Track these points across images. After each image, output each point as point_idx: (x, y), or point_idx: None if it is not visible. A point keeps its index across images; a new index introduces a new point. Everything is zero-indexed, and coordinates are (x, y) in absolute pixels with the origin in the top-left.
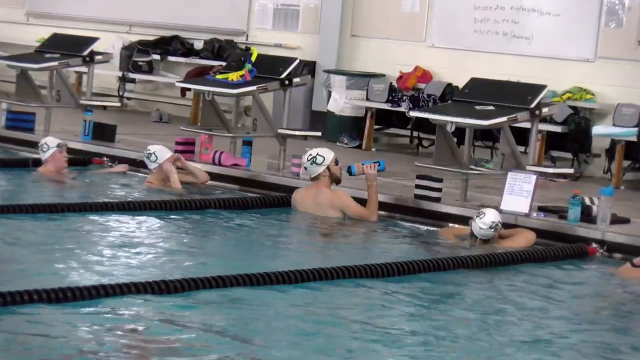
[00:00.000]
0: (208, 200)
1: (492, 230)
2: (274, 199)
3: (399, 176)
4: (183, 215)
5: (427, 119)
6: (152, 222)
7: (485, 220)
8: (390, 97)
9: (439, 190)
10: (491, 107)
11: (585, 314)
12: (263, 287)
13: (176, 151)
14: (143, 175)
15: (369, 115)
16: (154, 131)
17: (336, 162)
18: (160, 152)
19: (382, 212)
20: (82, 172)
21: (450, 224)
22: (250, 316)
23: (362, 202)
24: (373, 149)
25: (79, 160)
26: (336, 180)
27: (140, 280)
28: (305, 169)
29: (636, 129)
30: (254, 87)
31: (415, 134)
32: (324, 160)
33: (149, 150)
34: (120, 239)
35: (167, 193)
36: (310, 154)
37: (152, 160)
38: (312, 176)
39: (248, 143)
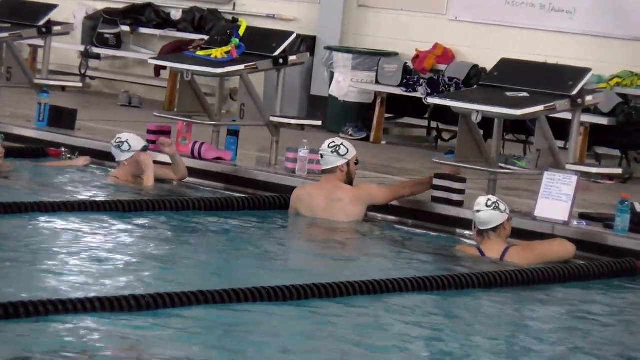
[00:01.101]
0: (186, 200)
1: (492, 209)
2: (264, 200)
3: (414, 175)
4: (155, 218)
5: (448, 107)
6: (117, 225)
7: (479, 201)
8: (405, 80)
9: (462, 192)
10: (525, 94)
11: (636, 347)
12: (250, 304)
13: (148, 141)
14: (109, 168)
15: (378, 101)
16: (122, 117)
17: (357, 162)
18: (134, 141)
19: (393, 218)
20: (34, 165)
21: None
22: (234, 340)
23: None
24: (383, 142)
25: (31, 151)
26: (350, 180)
27: (99, 294)
28: (322, 156)
29: None
30: (241, 66)
31: (433, 124)
32: (347, 153)
33: (120, 138)
34: (76, 246)
35: (137, 191)
36: (334, 142)
37: (124, 149)
38: (326, 168)
39: (234, 133)
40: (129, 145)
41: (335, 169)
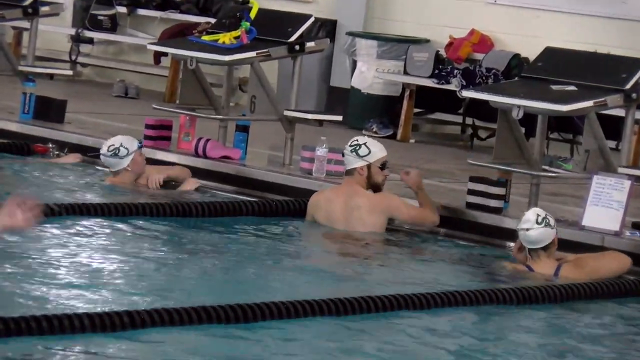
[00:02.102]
0: (188, 205)
1: (543, 226)
2: (277, 205)
3: (446, 177)
4: (153, 225)
5: (485, 102)
6: (111, 232)
7: (528, 217)
8: (436, 71)
9: (500, 197)
10: (572, 88)
11: None
12: (257, 324)
13: (146, 137)
14: (101, 168)
15: (406, 94)
16: (117, 109)
17: (383, 166)
18: (129, 142)
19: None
20: (19, 163)
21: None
22: None
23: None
24: (411, 140)
25: (15, 147)
26: (373, 187)
27: (92, 310)
28: (343, 155)
29: None
30: (252, 53)
31: (468, 121)
32: (368, 154)
33: (113, 144)
34: (63, 254)
35: (136, 193)
36: (357, 140)
37: (123, 155)
38: (347, 169)
39: (243, 128)
40: (126, 149)
41: (353, 171)
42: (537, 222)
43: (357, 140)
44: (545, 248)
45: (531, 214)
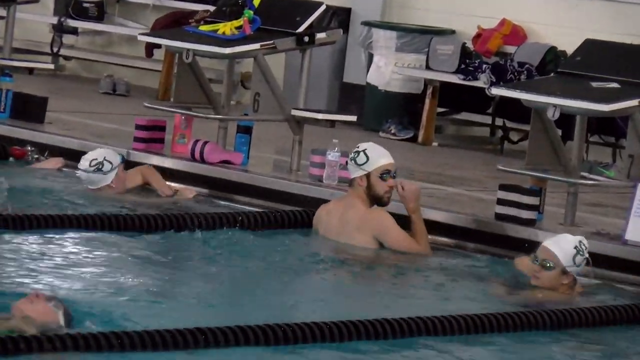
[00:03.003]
0: (183, 216)
1: (581, 257)
2: (284, 216)
3: (473, 185)
4: (142, 238)
5: (517, 100)
6: (94, 246)
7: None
8: (463, 66)
9: (534, 208)
10: (614, 85)
11: None
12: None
13: (137, 139)
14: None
15: (429, 91)
16: (104, 108)
17: (384, 174)
18: (111, 155)
19: (446, 239)
20: None
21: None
22: None
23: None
24: (434, 143)
25: None
26: (376, 199)
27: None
28: (347, 163)
29: None
30: (256, 45)
31: (498, 122)
32: (366, 163)
33: (96, 159)
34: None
35: (124, 204)
36: (358, 147)
37: (107, 170)
38: (350, 179)
39: (245, 130)
40: (110, 163)
41: (353, 182)
42: (580, 254)
43: (358, 146)
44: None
45: (575, 241)
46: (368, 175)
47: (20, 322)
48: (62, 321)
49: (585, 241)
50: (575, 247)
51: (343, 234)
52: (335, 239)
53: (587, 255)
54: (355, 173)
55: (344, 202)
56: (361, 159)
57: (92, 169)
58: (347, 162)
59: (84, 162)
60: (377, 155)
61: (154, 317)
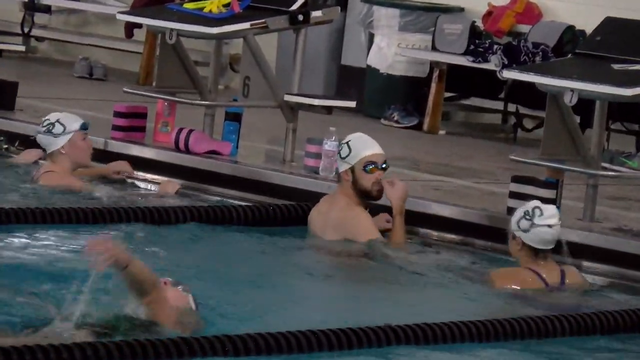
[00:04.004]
0: (167, 210)
1: (560, 224)
2: (277, 211)
3: (484, 178)
4: (126, 231)
5: (531, 84)
6: (56, 243)
7: (551, 211)
8: (472, 47)
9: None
10: (638, 67)
11: None
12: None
13: (115, 127)
14: None
15: (435, 75)
16: (80, 94)
17: (367, 166)
18: (68, 119)
19: (454, 236)
20: None
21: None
22: None
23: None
24: (441, 131)
25: None
26: (364, 194)
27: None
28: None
29: None
30: (246, 25)
31: (511, 108)
32: (348, 155)
33: (49, 119)
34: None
35: (84, 195)
36: (343, 140)
37: (57, 132)
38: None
39: (234, 117)
40: (63, 126)
41: (340, 177)
42: (560, 218)
43: (344, 139)
44: (552, 249)
45: (554, 209)
46: (352, 169)
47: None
48: (193, 304)
49: (545, 209)
50: (525, 212)
51: (325, 234)
52: (319, 236)
53: (542, 224)
54: (341, 168)
55: (330, 200)
56: (344, 151)
57: (44, 129)
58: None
59: (41, 123)
60: (362, 146)
61: None
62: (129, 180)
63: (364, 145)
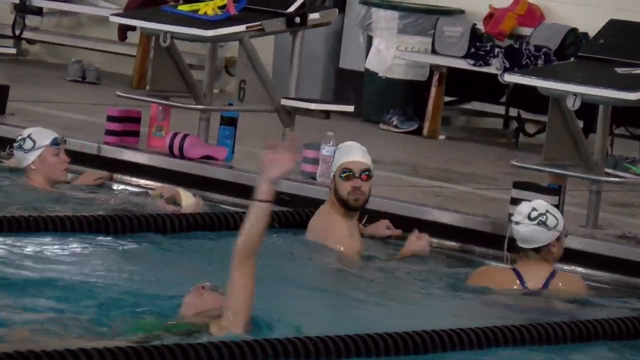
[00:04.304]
0: (161, 217)
1: (536, 223)
2: (273, 217)
3: (485, 183)
4: (98, 241)
5: (533, 88)
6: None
7: (520, 209)
8: (473, 50)
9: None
10: None
11: None
12: None
13: (108, 132)
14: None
15: (435, 78)
16: (72, 97)
17: (342, 173)
18: (39, 135)
19: (453, 244)
20: None
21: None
22: None
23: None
24: (441, 136)
25: None
26: (342, 203)
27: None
28: None
29: None
30: (242, 27)
31: (513, 112)
32: (332, 162)
33: (22, 134)
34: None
35: (66, 200)
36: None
37: (27, 148)
38: None
39: (230, 121)
40: (33, 142)
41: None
42: (530, 218)
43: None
44: (537, 250)
45: (525, 207)
46: (334, 177)
47: (194, 319)
48: None
49: (521, 205)
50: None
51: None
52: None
53: (514, 220)
54: (331, 175)
55: (320, 211)
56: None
57: (17, 144)
58: None
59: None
60: (341, 153)
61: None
62: (120, 187)
63: (345, 152)
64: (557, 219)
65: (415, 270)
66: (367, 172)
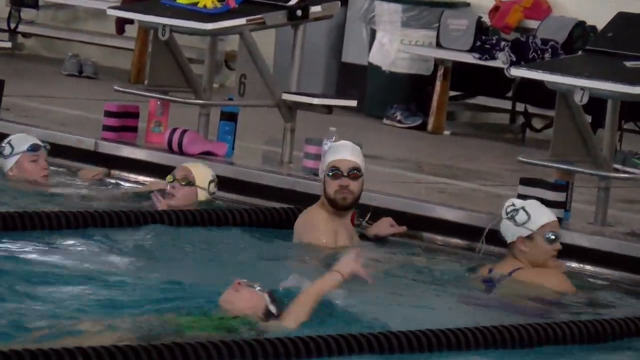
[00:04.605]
0: (152, 213)
1: (506, 217)
2: (273, 214)
3: (490, 179)
4: (111, 235)
5: (540, 83)
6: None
7: (505, 202)
8: (479, 43)
9: (560, 205)
10: None
11: None
12: None
13: (106, 127)
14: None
15: (440, 73)
16: (69, 92)
17: (330, 171)
18: (17, 141)
19: (459, 241)
20: None
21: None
22: None
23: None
24: (446, 132)
25: None
26: (330, 202)
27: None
28: None
29: None
30: (242, 20)
31: (519, 107)
32: (324, 161)
33: (5, 140)
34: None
35: (48, 196)
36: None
37: (6, 154)
38: None
39: (230, 117)
40: (12, 147)
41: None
42: (506, 212)
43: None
44: (509, 245)
45: (509, 201)
46: (325, 176)
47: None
48: (269, 303)
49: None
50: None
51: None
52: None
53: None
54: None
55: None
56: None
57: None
58: None
59: None
60: (331, 152)
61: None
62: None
63: (333, 151)
64: (529, 216)
65: (409, 266)
66: (355, 171)
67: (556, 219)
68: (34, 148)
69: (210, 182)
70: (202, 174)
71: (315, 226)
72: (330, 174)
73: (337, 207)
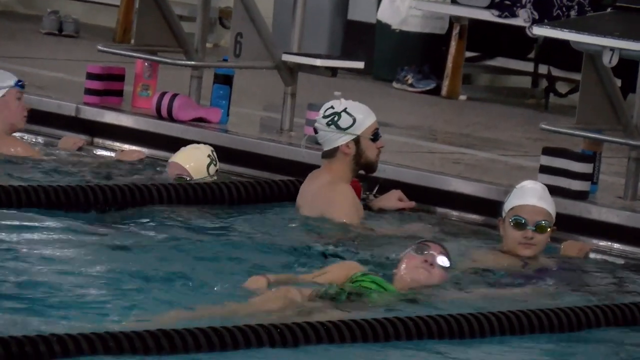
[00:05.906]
0: (148, 187)
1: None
2: (274, 187)
3: (511, 150)
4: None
5: (566, 43)
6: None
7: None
8: (498, 0)
9: (586, 177)
10: None
11: None
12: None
13: (88, 91)
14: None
15: (455, 32)
16: (48, 52)
17: (375, 135)
18: (1, 76)
19: (476, 217)
20: None
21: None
22: None
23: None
24: (462, 97)
25: None
26: (366, 168)
27: None
28: (316, 131)
29: None
30: None
31: (542, 69)
32: (353, 124)
33: None
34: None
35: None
36: (332, 107)
37: None
38: (325, 149)
39: (225, 80)
40: None
41: (335, 152)
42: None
43: (332, 107)
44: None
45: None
46: (357, 140)
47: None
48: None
49: None
50: None
51: (302, 210)
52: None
53: None
54: (336, 142)
55: (316, 177)
56: (345, 120)
57: None
58: (316, 129)
59: None
60: (364, 113)
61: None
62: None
63: (367, 112)
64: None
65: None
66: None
67: None
68: (21, 84)
69: (209, 165)
70: (197, 166)
71: (345, 203)
72: (377, 137)
73: (371, 172)
